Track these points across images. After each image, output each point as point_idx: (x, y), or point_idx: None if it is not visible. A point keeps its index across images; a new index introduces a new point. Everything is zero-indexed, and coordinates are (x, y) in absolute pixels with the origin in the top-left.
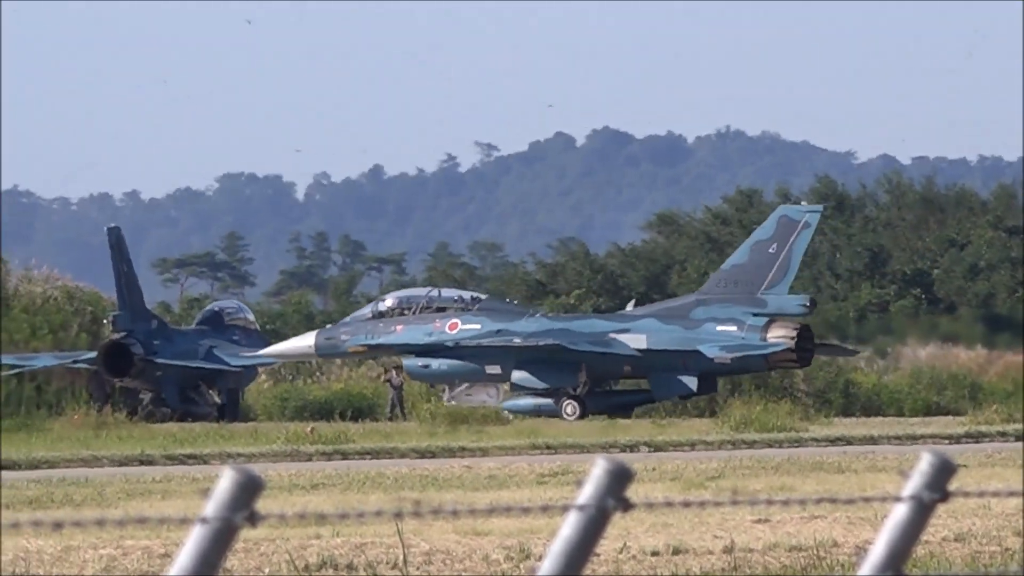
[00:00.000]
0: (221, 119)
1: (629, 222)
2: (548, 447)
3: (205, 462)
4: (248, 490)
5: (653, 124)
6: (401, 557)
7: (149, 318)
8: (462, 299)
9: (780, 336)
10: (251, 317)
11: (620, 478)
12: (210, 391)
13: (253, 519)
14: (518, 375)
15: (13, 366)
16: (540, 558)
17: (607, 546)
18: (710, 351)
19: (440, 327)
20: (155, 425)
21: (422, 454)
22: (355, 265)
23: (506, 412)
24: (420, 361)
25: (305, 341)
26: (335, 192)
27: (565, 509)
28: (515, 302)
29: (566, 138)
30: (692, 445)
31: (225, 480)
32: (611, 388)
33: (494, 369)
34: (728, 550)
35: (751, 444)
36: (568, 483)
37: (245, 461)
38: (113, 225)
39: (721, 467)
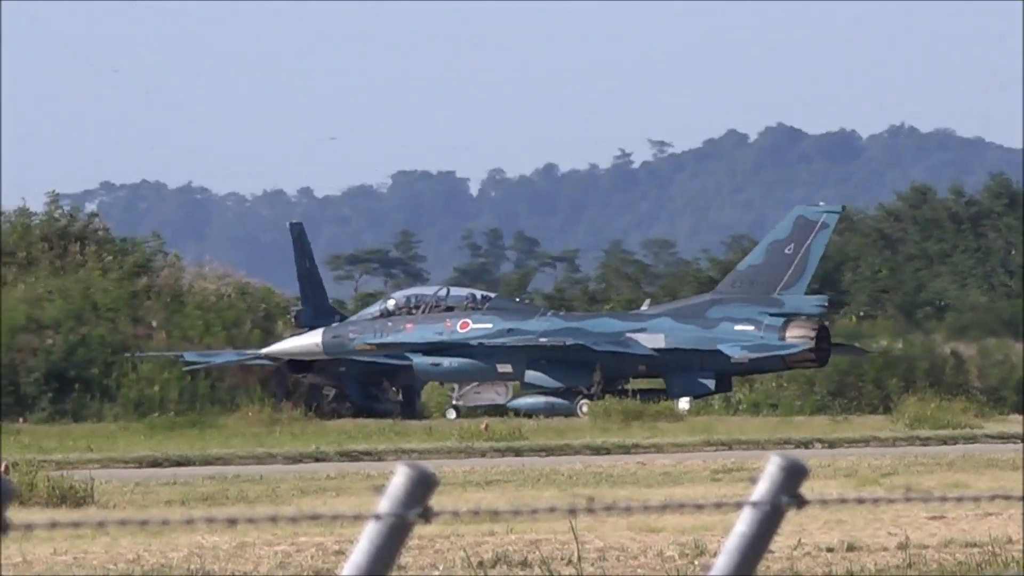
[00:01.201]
0: (395, 116)
1: None
2: (722, 443)
3: (379, 459)
4: (422, 486)
5: (826, 121)
6: (575, 554)
7: (331, 314)
8: (472, 298)
9: (799, 336)
10: None
11: (794, 475)
12: (392, 388)
13: (427, 515)
14: (531, 374)
15: (195, 362)
16: (714, 554)
17: (781, 542)
18: (731, 350)
19: (450, 326)
20: (329, 422)
21: (596, 451)
22: (528, 262)
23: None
24: (430, 359)
25: (312, 339)
26: (509, 188)
27: (739, 506)
28: (526, 301)
29: (739, 135)
30: (866, 442)
31: (399, 476)
32: (622, 387)
33: (505, 368)
34: (903, 547)
35: (925, 441)
36: (742, 480)
37: (419, 457)
38: (296, 220)
39: (895, 464)
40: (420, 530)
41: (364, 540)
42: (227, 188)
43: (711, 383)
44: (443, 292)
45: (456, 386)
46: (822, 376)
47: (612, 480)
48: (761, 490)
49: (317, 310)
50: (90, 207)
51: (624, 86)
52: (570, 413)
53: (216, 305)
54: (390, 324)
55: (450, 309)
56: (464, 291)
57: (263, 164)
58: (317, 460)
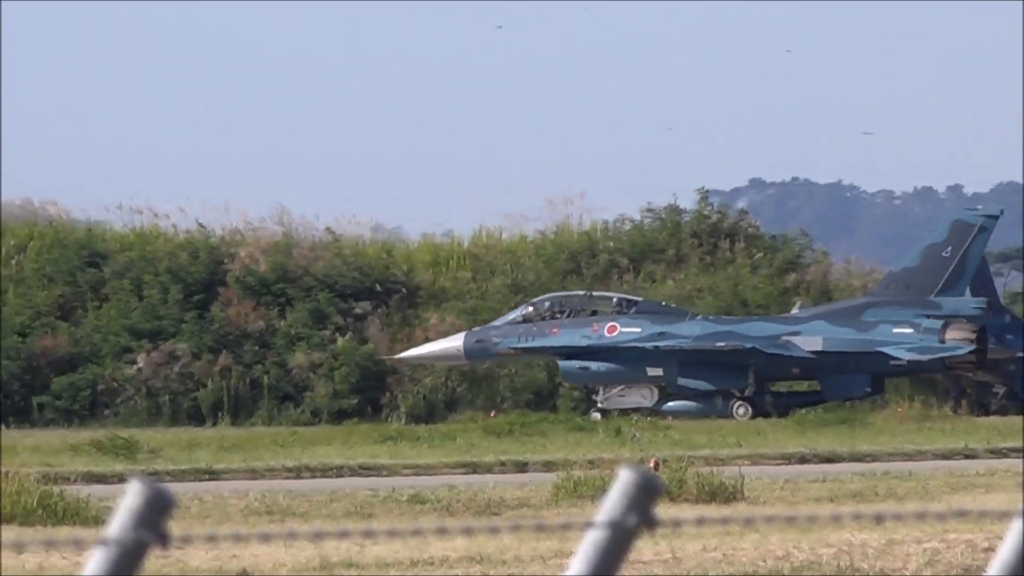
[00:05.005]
0: None
1: None
2: None
3: None
4: None
5: None
6: None
7: (1002, 312)
8: (619, 302)
9: (959, 338)
10: None
11: None
12: None
13: None
14: (684, 379)
15: None
16: None
17: None
18: (896, 353)
19: (598, 330)
20: (979, 419)
21: None
22: None
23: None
24: (578, 363)
25: (453, 343)
26: None
27: None
28: (672, 305)
29: None
30: None
31: None
32: (768, 389)
33: (656, 371)
34: None
35: None
36: None
37: None
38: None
39: None
40: None
41: (1010, 537)
42: (877, 185)
43: (868, 386)
44: (588, 296)
45: (601, 389)
46: None
47: None
48: None
49: (988, 308)
50: (740, 204)
51: None
52: (723, 416)
53: None
54: (535, 328)
55: (594, 313)
56: (609, 295)
57: (914, 161)
58: (967, 457)
